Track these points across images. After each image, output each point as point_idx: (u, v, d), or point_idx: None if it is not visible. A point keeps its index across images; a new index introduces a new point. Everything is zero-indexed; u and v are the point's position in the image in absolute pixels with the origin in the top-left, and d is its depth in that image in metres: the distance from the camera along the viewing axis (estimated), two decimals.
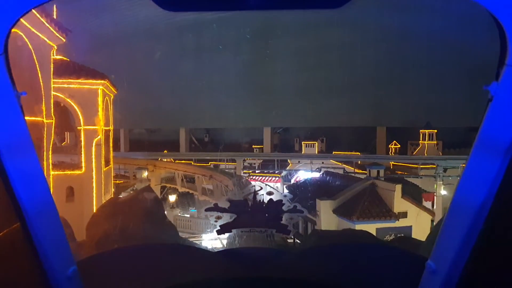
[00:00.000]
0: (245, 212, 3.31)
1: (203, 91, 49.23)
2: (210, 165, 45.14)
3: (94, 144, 17.66)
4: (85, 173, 17.52)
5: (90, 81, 17.34)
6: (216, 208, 3.33)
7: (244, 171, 42.31)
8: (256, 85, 49.37)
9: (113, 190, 21.57)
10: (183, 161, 45.98)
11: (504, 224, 1.80)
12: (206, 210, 3.40)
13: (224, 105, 49.45)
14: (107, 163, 20.04)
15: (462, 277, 1.89)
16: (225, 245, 12.56)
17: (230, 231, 3.34)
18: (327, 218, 22.01)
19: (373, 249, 3.47)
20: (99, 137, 17.78)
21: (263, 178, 39.31)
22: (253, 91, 49.69)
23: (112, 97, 21.41)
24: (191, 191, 31.91)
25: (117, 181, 36.37)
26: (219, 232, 3.33)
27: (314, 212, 22.63)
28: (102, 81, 17.71)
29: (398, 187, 21.87)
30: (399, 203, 21.80)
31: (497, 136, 1.62)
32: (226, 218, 3.32)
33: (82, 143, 17.49)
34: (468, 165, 1.75)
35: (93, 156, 17.62)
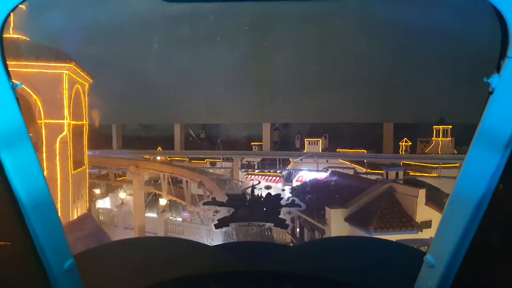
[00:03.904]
0: (243, 206, 3.29)
1: (199, 85, 46.90)
2: (206, 162, 42.93)
3: (58, 141, 14.48)
4: (47, 177, 14.30)
5: (52, 64, 14.13)
6: (214, 202, 3.32)
7: (242, 170, 39.58)
8: (255, 79, 47.04)
9: (87, 194, 18.43)
10: (177, 158, 43.35)
11: (503, 218, 1.80)
12: (204, 204, 3.40)
13: (221, 99, 47.16)
14: (79, 164, 16.93)
15: (460, 271, 1.89)
16: None
17: (228, 225, 3.28)
18: (338, 228, 18.96)
19: (371, 243, 3.42)
20: (64, 133, 14.63)
21: (263, 177, 36.66)
22: (252, 85, 47.40)
23: (86, 86, 18.25)
24: (178, 200, 28.24)
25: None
26: (217, 226, 3.30)
27: (323, 220, 19.61)
28: (68, 65, 14.50)
29: (422, 192, 18.80)
30: (422, 211, 18.75)
31: (497, 129, 1.61)
32: (224, 212, 3.28)
33: (44, 140, 14.29)
34: (468, 159, 1.72)
35: (57, 156, 14.44)
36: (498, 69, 1.55)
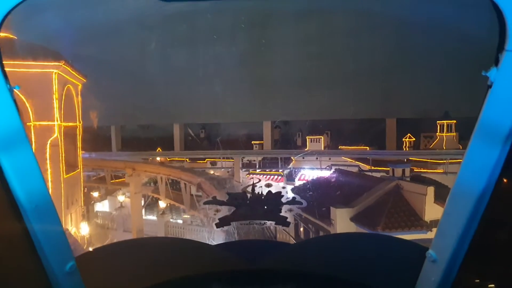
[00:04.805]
0: (244, 205, 3.29)
1: (198, 84, 46.25)
2: (206, 162, 42.34)
3: (48, 144, 13.77)
4: None
5: (41, 63, 13.42)
6: (214, 201, 3.35)
7: (243, 169, 38.89)
8: (254, 76, 46.39)
9: (82, 199, 17.72)
10: (176, 158, 42.74)
11: (504, 212, 1.80)
12: (205, 203, 3.44)
13: (220, 98, 46.47)
14: (72, 167, 16.23)
15: (463, 266, 1.89)
16: None
17: (229, 224, 3.29)
18: (344, 229, 18.23)
19: (374, 239, 3.42)
20: (55, 135, 13.91)
21: (264, 177, 35.94)
22: (251, 83, 46.73)
23: (79, 86, 17.53)
24: (177, 204, 27.37)
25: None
26: (218, 225, 3.30)
27: (328, 221, 18.89)
28: (57, 64, 13.77)
29: (431, 190, 18.02)
30: (431, 210, 17.99)
31: (497, 123, 1.61)
32: (225, 211, 3.30)
33: (33, 144, 13.54)
34: (468, 153, 1.72)
35: (48, 160, 13.73)
36: (496, 62, 1.53)
